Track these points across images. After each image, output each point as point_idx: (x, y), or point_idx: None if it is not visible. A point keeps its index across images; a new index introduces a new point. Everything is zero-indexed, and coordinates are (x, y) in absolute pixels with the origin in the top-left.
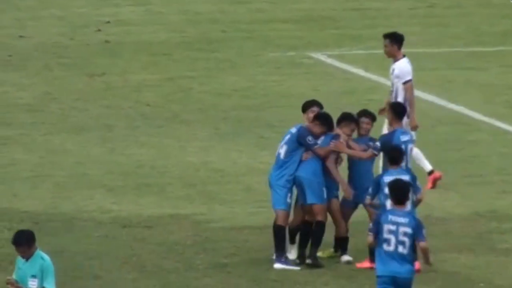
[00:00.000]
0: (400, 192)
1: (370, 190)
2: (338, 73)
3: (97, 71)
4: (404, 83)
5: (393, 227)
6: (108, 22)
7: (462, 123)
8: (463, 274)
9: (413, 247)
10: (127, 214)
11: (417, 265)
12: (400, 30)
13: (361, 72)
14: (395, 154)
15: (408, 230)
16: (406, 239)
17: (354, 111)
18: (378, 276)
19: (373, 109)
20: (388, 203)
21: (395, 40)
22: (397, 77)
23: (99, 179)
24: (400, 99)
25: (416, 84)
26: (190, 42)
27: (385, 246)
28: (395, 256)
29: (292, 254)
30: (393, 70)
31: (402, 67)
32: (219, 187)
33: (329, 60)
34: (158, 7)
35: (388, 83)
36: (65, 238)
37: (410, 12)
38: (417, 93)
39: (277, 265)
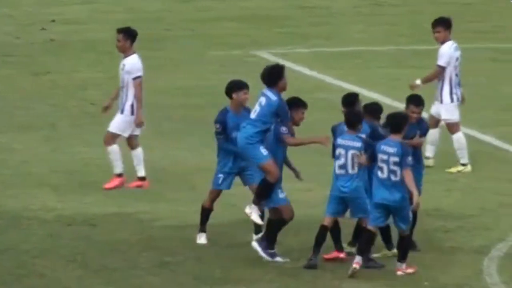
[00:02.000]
0: (396, 121)
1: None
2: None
3: (42, 70)
4: (134, 78)
5: (385, 157)
6: (53, 21)
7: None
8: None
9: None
10: (72, 213)
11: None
12: (345, 29)
13: (305, 70)
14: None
15: (396, 159)
16: (396, 168)
17: None
18: (373, 203)
19: (319, 108)
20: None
21: (128, 35)
22: (128, 72)
23: (44, 177)
24: (130, 95)
25: (362, 82)
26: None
27: (379, 174)
28: (387, 183)
29: None
30: (124, 65)
31: (134, 63)
32: (163, 186)
33: (274, 59)
34: (105, 6)
35: (333, 81)
36: (10, 236)
37: (355, 10)
38: (363, 91)
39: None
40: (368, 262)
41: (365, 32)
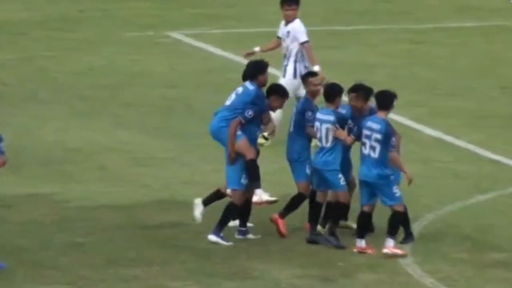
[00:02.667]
0: (384, 98)
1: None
2: (196, 52)
3: None
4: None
5: (368, 133)
6: None
7: (320, 101)
8: (323, 254)
9: (386, 156)
10: None
11: (370, 249)
12: (257, 10)
13: (218, 51)
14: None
15: (379, 136)
16: (376, 145)
17: (213, 90)
18: (358, 181)
19: (230, 88)
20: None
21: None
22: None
23: None
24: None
25: (274, 62)
26: (48, 22)
27: (363, 150)
28: (367, 160)
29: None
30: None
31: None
32: (75, 166)
33: (187, 39)
34: None
35: (246, 62)
36: None
37: None
38: (275, 71)
39: None
40: (329, 236)
41: (277, 13)
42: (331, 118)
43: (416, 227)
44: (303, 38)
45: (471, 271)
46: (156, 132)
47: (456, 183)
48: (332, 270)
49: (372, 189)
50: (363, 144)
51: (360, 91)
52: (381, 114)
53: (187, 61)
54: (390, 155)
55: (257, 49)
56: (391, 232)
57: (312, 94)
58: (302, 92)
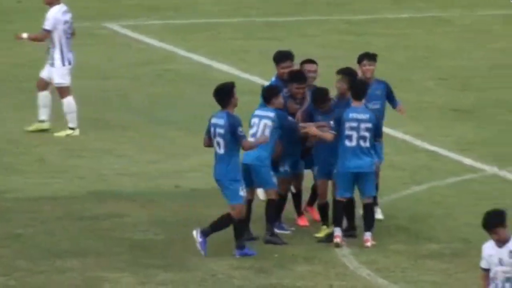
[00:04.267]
0: (359, 88)
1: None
2: (133, 43)
3: None
4: None
5: (355, 124)
6: None
7: (257, 93)
8: (258, 245)
9: (373, 147)
10: None
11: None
12: (195, 1)
13: (155, 42)
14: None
15: (369, 125)
16: (367, 134)
17: (149, 81)
18: (341, 173)
19: (167, 80)
20: None
21: None
22: None
23: None
24: None
25: (211, 54)
26: None
27: (347, 143)
28: (356, 151)
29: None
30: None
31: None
32: (14, 158)
33: (124, 31)
34: None
35: (183, 53)
36: None
37: None
38: (212, 63)
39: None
40: (271, 236)
41: (216, 4)
42: (271, 114)
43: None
44: (46, 25)
45: (407, 262)
46: (92, 123)
47: (393, 174)
48: (268, 261)
49: (358, 179)
50: (348, 137)
51: (347, 75)
52: (359, 104)
53: (123, 53)
54: (380, 140)
55: (24, 35)
56: (370, 226)
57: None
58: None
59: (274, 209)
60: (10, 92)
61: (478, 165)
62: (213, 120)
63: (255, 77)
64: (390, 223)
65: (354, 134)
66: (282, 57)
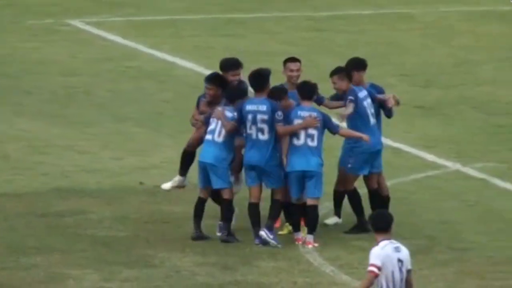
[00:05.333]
0: (307, 89)
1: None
2: (96, 40)
3: None
4: None
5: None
6: None
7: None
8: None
9: (321, 147)
10: None
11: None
12: None
13: (118, 39)
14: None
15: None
16: (314, 132)
17: (112, 78)
18: (288, 172)
19: (130, 76)
20: None
21: None
22: None
23: None
24: None
25: (174, 51)
26: None
27: (295, 141)
28: (304, 150)
29: None
30: None
31: None
32: None
33: (87, 27)
34: None
35: (146, 50)
36: None
37: None
38: (175, 59)
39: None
40: (227, 236)
41: (178, 1)
42: (230, 115)
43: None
44: None
45: None
46: (55, 120)
47: None
48: (232, 258)
49: (306, 179)
50: (296, 135)
51: (341, 72)
52: (308, 103)
53: (87, 49)
54: (340, 132)
55: None
56: (314, 228)
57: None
58: None
59: (229, 209)
60: None
61: (441, 161)
62: (250, 107)
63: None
64: (354, 220)
65: (302, 133)
66: (231, 65)
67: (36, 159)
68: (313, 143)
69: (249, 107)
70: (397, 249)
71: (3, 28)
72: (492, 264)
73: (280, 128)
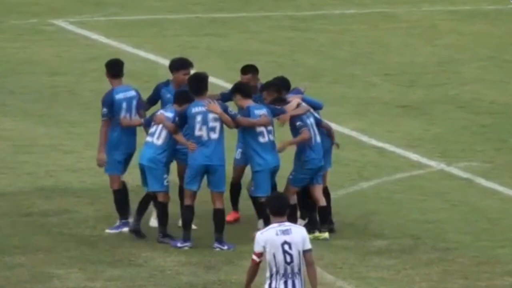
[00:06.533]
0: (245, 88)
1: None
2: (80, 39)
3: None
4: None
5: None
6: None
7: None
8: (206, 241)
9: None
10: None
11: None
12: None
13: (102, 38)
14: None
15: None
16: (271, 128)
17: (97, 77)
18: (262, 170)
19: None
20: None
21: None
22: None
23: None
24: None
25: (157, 50)
26: None
27: (261, 139)
28: (271, 146)
29: None
30: None
31: None
32: None
33: (71, 27)
34: None
35: (129, 49)
36: None
37: None
38: (158, 59)
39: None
40: (163, 238)
41: (162, 0)
42: (170, 115)
43: (299, 214)
44: None
45: (355, 258)
46: (39, 119)
47: (340, 170)
48: (216, 257)
49: (272, 175)
50: (260, 133)
51: (271, 87)
52: (249, 102)
53: (71, 49)
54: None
55: None
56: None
57: None
58: None
59: (164, 212)
60: None
61: (425, 161)
62: (198, 109)
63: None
64: (337, 219)
65: (264, 131)
66: (182, 64)
67: (20, 159)
68: (273, 138)
69: (196, 109)
70: (285, 232)
71: None
72: (476, 264)
73: (242, 119)
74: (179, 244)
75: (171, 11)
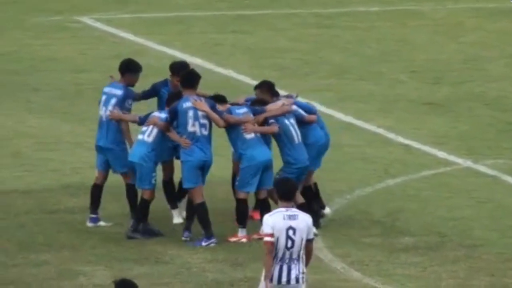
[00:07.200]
0: (218, 97)
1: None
2: (106, 37)
3: None
4: None
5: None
6: None
7: (230, 86)
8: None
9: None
10: None
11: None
12: None
13: (128, 35)
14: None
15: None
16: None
17: None
18: (250, 165)
19: (141, 73)
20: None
21: None
22: None
23: None
24: None
25: (185, 47)
26: None
27: (246, 136)
28: (257, 141)
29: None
30: None
31: None
32: None
33: (97, 24)
34: None
35: (156, 46)
36: None
37: None
38: (185, 56)
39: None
40: (132, 232)
41: None
42: (163, 116)
43: (327, 213)
44: None
45: (381, 255)
46: (64, 116)
47: (366, 167)
48: (242, 254)
49: (263, 171)
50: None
51: (264, 85)
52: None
53: (96, 46)
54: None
55: None
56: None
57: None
58: None
59: (144, 208)
60: None
61: (452, 158)
62: (189, 103)
63: (229, 70)
64: (364, 217)
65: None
66: (184, 68)
67: (45, 156)
68: (259, 134)
69: (188, 104)
70: (291, 217)
71: (12, 25)
72: (503, 261)
73: (229, 116)
74: (203, 243)
75: (197, 8)
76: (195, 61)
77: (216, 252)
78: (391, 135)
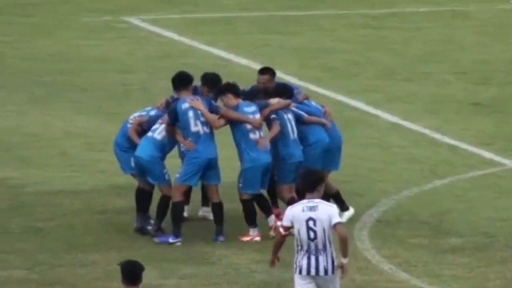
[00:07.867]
0: (233, 86)
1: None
2: (153, 37)
3: None
4: None
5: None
6: None
7: None
8: None
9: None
10: None
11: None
12: None
13: (175, 36)
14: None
15: (258, 115)
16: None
17: (170, 75)
18: (253, 166)
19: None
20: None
21: None
22: None
23: None
24: None
25: (231, 48)
26: (3, 7)
27: (251, 136)
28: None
29: None
30: None
31: None
32: (33, 152)
33: (144, 24)
34: None
35: (202, 47)
36: None
37: None
38: (232, 57)
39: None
40: (155, 232)
41: None
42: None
43: (374, 212)
44: None
45: (429, 256)
46: (111, 117)
47: (413, 168)
48: (289, 254)
49: (264, 172)
50: (250, 131)
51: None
52: (239, 101)
53: (143, 46)
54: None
55: None
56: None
57: None
58: None
59: (165, 206)
60: (27, 86)
61: (498, 159)
62: (186, 105)
63: (276, 71)
64: (411, 217)
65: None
66: (213, 80)
67: (93, 156)
68: (263, 135)
69: (186, 105)
70: (311, 208)
71: (60, 25)
72: None
73: (227, 111)
74: (170, 240)
75: (244, 9)
76: (240, 61)
77: (263, 252)
78: (438, 136)
